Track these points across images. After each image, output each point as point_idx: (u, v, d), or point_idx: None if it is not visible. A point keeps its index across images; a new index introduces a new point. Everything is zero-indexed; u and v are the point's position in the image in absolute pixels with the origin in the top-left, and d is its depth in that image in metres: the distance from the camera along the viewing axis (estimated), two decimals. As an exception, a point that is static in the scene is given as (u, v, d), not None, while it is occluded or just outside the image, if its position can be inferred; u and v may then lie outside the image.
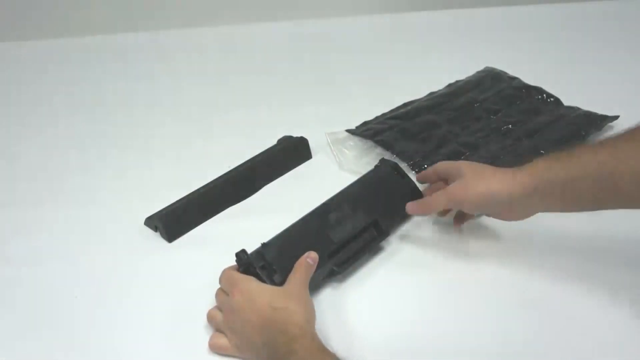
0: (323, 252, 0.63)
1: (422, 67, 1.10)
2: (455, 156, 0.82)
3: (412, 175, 0.80)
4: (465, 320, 0.61)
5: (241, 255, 0.60)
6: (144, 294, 0.65)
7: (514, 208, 0.63)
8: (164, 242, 0.72)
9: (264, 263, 0.60)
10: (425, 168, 0.80)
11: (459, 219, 0.71)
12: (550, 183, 0.59)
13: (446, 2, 1.35)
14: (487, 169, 0.65)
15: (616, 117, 0.88)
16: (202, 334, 0.60)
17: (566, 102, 0.92)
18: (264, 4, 1.48)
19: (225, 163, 0.83)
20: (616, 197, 0.57)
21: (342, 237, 0.66)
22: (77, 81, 1.11)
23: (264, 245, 0.61)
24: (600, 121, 0.87)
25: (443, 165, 0.70)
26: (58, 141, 0.94)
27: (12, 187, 0.84)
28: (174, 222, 0.73)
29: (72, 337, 0.61)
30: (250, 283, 0.58)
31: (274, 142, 0.87)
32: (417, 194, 0.71)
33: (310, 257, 0.61)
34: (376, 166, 0.75)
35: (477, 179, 0.64)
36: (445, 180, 0.69)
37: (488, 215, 0.67)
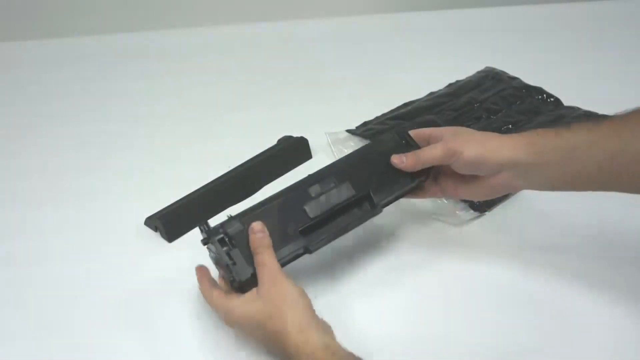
0: (295, 227, 0.59)
1: (422, 67, 1.10)
2: (455, 156, 0.83)
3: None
4: (466, 320, 0.61)
5: (202, 227, 0.57)
6: (145, 294, 0.65)
7: (510, 173, 0.60)
8: (164, 243, 0.72)
9: (223, 236, 0.57)
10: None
11: (437, 187, 0.66)
12: (554, 149, 0.57)
13: (446, 2, 1.35)
14: (482, 133, 0.63)
15: (616, 117, 0.88)
16: (203, 334, 0.60)
17: (566, 102, 0.92)
18: (264, 4, 1.48)
19: (226, 163, 0.83)
20: (613, 175, 0.57)
21: (320, 211, 0.61)
22: (77, 81, 1.11)
23: (229, 217, 0.58)
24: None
25: (432, 130, 0.65)
26: (58, 141, 0.94)
27: (12, 186, 0.84)
28: (173, 222, 0.73)
29: (72, 337, 0.61)
30: (229, 312, 0.55)
31: (274, 142, 0.87)
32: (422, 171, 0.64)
33: (254, 230, 0.57)
34: (382, 133, 0.68)
35: (474, 136, 0.62)
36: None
37: (477, 174, 0.62)
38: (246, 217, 0.59)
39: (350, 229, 0.62)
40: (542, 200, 0.76)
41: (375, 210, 0.63)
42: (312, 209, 0.60)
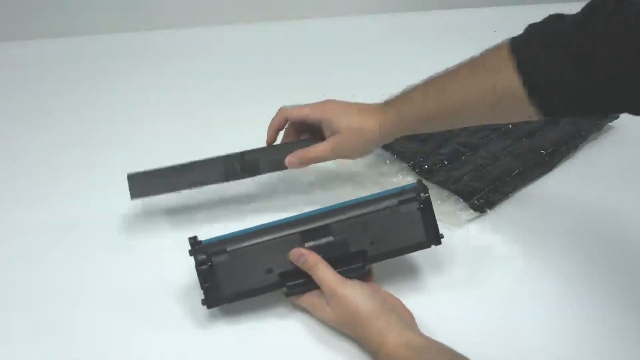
0: (278, 269, 0.60)
1: (422, 67, 1.10)
2: (455, 156, 0.83)
3: (414, 177, 0.80)
4: (467, 320, 0.61)
5: (191, 240, 0.60)
6: (145, 294, 0.65)
7: (379, 143, 0.72)
8: (165, 241, 0.72)
9: (205, 258, 0.58)
10: (425, 168, 0.80)
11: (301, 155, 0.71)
12: (412, 121, 0.68)
13: (446, 2, 1.35)
14: (352, 108, 0.71)
15: (616, 117, 0.88)
16: (203, 334, 0.60)
17: (566, 102, 0.92)
18: (264, 4, 1.47)
19: (226, 163, 0.83)
20: (464, 122, 0.72)
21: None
22: (76, 81, 1.11)
23: (218, 242, 0.60)
24: (600, 121, 0.87)
25: (305, 117, 0.72)
26: (58, 141, 0.94)
27: (11, 186, 0.84)
28: (141, 181, 0.72)
29: (72, 337, 0.61)
30: (321, 308, 0.59)
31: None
32: (434, 238, 0.62)
33: (294, 257, 0.59)
34: (402, 191, 0.62)
35: (351, 127, 0.69)
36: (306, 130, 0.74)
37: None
38: (234, 248, 0.59)
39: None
40: (542, 199, 0.76)
41: (363, 269, 0.61)
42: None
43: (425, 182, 0.65)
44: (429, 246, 0.62)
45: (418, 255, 0.68)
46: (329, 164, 0.84)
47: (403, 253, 0.63)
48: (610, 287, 0.63)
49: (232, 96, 1.05)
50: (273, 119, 0.75)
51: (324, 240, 0.60)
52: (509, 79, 0.59)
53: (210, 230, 0.62)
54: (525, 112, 0.60)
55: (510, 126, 0.87)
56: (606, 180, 0.79)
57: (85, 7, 1.34)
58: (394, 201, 0.61)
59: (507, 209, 0.75)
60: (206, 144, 0.91)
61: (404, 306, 0.59)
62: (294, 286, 0.60)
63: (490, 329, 0.60)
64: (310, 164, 0.71)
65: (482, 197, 0.75)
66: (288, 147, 0.72)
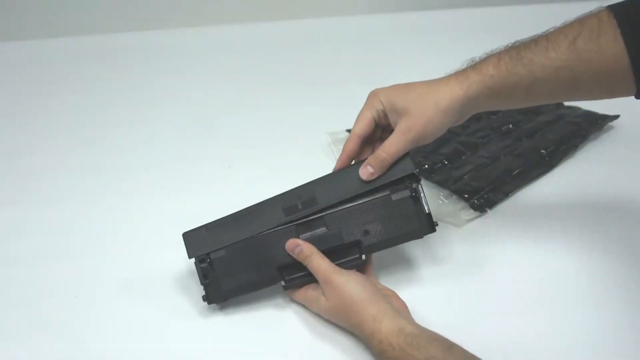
0: (274, 262, 0.60)
1: (422, 67, 1.10)
2: (455, 156, 0.83)
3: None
4: (468, 320, 0.61)
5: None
6: (146, 294, 0.65)
7: (465, 116, 0.62)
8: (165, 241, 0.72)
9: (204, 256, 0.60)
10: (426, 168, 0.80)
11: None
12: (512, 88, 0.59)
13: (446, 2, 1.35)
14: (415, 84, 0.63)
15: (616, 117, 0.88)
16: (204, 334, 0.60)
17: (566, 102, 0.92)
18: (263, 4, 1.48)
19: (226, 162, 0.83)
20: (574, 93, 0.61)
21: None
22: (77, 81, 1.11)
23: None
24: (601, 121, 0.87)
25: (367, 121, 0.62)
26: (58, 141, 0.94)
27: (12, 186, 0.84)
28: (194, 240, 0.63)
29: (72, 337, 0.61)
30: (326, 292, 0.59)
31: (273, 141, 0.87)
32: (427, 227, 0.61)
33: (290, 248, 0.60)
34: (393, 181, 0.61)
35: (421, 104, 0.60)
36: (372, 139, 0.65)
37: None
38: (232, 243, 0.61)
39: None
40: (542, 199, 0.76)
41: (360, 259, 0.61)
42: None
43: (425, 181, 0.65)
44: (424, 235, 0.62)
45: (418, 255, 0.68)
46: (330, 165, 0.84)
47: (398, 242, 0.63)
48: (610, 287, 0.63)
49: (232, 96, 1.05)
50: (346, 144, 0.64)
51: (318, 232, 0.61)
52: (609, 46, 0.54)
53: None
54: (620, 86, 0.56)
55: (511, 126, 0.87)
56: (606, 179, 0.79)
57: (85, 7, 1.34)
58: (386, 191, 0.62)
59: (507, 209, 0.75)
60: (207, 143, 0.91)
61: (398, 297, 0.59)
62: (291, 279, 0.61)
63: (490, 330, 0.60)
64: (390, 163, 0.61)
65: (482, 197, 0.75)
66: (342, 172, 0.64)
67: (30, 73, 1.14)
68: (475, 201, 0.74)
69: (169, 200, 0.78)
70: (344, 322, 0.58)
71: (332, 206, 0.62)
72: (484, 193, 0.76)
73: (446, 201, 0.76)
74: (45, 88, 1.09)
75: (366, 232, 0.61)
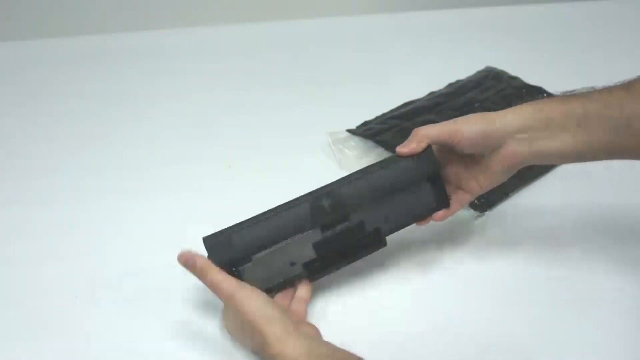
0: (298, 260, 0.60)
1: (422, 67, 1.10)
2: (455, 156, 0.82)
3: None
4: (468, 320, 0.61)
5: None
6: (146, 294, 0.65)
7: (517, 142, 0.56)
8: (165, 242, 0.72)
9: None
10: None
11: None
12: (564, 115, 0.55)
13: (446, 2, 1.35)
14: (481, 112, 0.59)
15: (616, 117, 0.88)
16: (204, 333, 0.60)
17: (566, 101, 0.92)
18: (263, 4, 1.48)
19: (226, 162, 0.83)
20: (629, 140, 0.54)
21: (327, 250, 0.60)
22: (77, 81, 1.11)
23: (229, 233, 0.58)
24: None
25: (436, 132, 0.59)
26: (58, 141, 0.94)
27: (12, 187, 0.84)
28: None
29: (72, 337, 0.61)
30: (227, 309, 0.56)
31: (273, 142, 0.87)
32: (444, 202, 0.62)
33: (181, 260, 0.56)
34: (412, 158, 0.60)
35: (474, 114, 0.59)
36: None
37: (483, 150, 0.59)
38: (259, 256, 0.59)
39: (352, 262, 0.63)
40: (543, 199, 0.76)
41: (381, 244, 0.62)
42: (319, 247, 0.60)
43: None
44: (439, 210, 0.62)
45: (417, 255, 0.68)
46: (331, 165, 0.84)
47: (415, 221, 0.63)
48: (610, 287, 0.63)
49: (232, 96, 1.04)
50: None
51: (339, 227, 0.60)
52: None
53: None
54: None
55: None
56: (607, 179, 0.79)
57: (85, 7, 1.34)
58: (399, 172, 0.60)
59: (507, 209, 0.75)
60: (207, 143, 0.91)
61: (308, 322, 0.57)
62: (316, 270, 0.61)
63: (490, 329, 0.60)
64: (426, 141, 0.59)
65: (482, 197, 0.75)
66: (363, 171, 0.62)
67: (30, 73, 1.13)
68: (475, 201, 0.74)
69: (169, 200, 0.78)
70: (248, 342, 0.55)
71: (352, 197, 0.60)
72: (484, 193, 0.76)
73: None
74: (45, 88, 1.09)
75: (386, 218, 0.61)
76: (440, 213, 0.62)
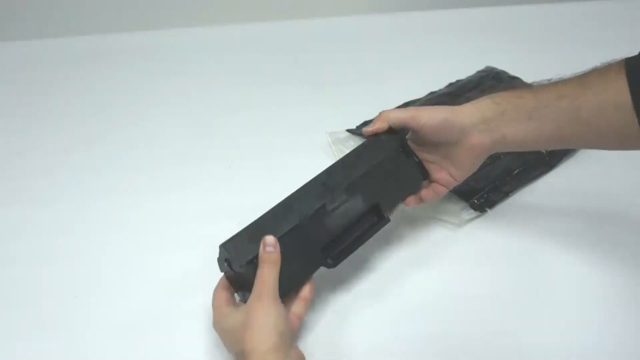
0: (315, 245, 0.60)
1: (422, 67, 1.10)
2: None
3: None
4: (469, 319, 0.61)
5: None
6: (146, 294, 0.65)
7: (480, 131, 0.61)
8: (166, 243, 0.72)
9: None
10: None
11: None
12: (517, 107, 0.60)
13: (446, 2, 1.35)
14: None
15: (616, 117, 0.88)
16: (205, 334, 0.60)
17: (566, 101, 0.92)
18: (264, 4, 1.47)
19: (226, 162, 0.83)
20: (580, 129, 0.58)
21: (339, 227, 0.61)
22: (77, 81, 1.11)
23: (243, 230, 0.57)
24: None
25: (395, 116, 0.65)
26: (58, 141, 0.94)
27: (12, 187, 0.84)
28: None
29: (72, 337, 0.61)
30: (216, 319, 0.56)
31: (273, 141, 0.87)
32: (422, 174, 0.67)
33: (266, 243, 0.55)
34: (380, 139, 0.66)
35: (439, 106, 0.64)
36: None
37: (447, 139, 0.63)
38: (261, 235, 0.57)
39: (365, 241, 0.63)
40: (542, 199, 0.76)
41: (384, 220, 0.64)
42: (331, 227, 0.61)
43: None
44: (422, 181, 0.67)
45: (417, 254, 0.68)
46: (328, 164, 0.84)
47: (408, 194, 0.67)
48: (610, 287, 0.63)
49: (232, 96, 1.04)
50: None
51: (343, 206, 0.61)
52: (618, 97, 0.55)
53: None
54: (630, 139, 0.56)
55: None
56: (607, 179, 0.79)
57: (85, 7, 1.34)
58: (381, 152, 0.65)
59: (507, 209, 0.75)
60: (207, 143, 0.91)
61: (297, 347, 0.56)
62: (339, 253, 0.61)
63: (491, 329, 0.60)
64: (388, 121, 0.65)
65: (482, 197, 0.75)
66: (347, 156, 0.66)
67: (30, 73, 1.14)
68: (475, 201, 0.74)
69: (169, 200, 0.78)
70: (235, 344, 0.53)
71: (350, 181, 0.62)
72: (484, 193, 0.76)
73: (446, 201, 0.75)
74: (45, 88, 1.09)
75: (381, 196, 0.64)
76: (424, 192, 0.67)
